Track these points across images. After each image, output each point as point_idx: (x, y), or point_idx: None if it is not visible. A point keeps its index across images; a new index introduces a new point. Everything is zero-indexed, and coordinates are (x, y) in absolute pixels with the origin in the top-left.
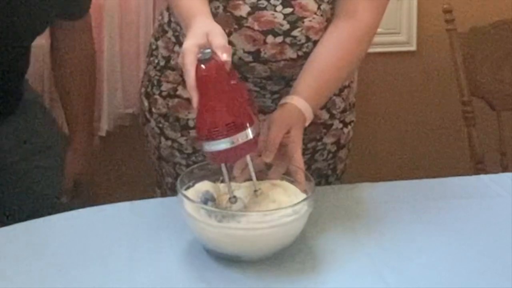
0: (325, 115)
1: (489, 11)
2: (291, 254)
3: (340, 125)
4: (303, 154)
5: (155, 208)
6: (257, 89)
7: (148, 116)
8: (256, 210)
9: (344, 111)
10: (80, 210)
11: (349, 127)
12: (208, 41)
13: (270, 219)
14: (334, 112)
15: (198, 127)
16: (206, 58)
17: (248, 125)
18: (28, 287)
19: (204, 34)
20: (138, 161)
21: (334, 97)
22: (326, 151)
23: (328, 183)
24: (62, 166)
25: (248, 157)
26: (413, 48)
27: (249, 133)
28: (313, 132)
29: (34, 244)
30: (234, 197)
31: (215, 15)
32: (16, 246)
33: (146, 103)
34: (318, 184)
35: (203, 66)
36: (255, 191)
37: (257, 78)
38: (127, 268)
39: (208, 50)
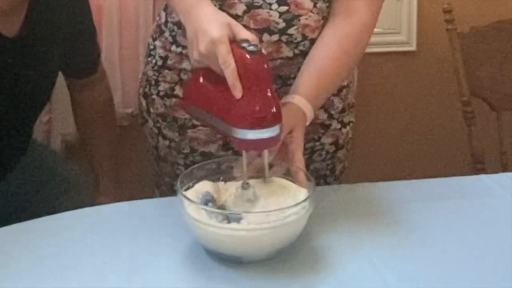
0: (323, 115)
1: (489, 11)
2: (291, 254)
3: (339, 126)
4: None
5: (155, 208)
6: None
7: (146, 116)
8: (256, 212)
9: (342, 111)
10: (80, 210)
11: (348, 127)
12: (232, 32)
13: (270, 219)
14: (332, 112)
15: (241, 115)
16: (255, 50)
17: (281, 116)
18: (28, 287)
19: (228, 25)
20: (137, 161)
21: (333, 97)
22: (325, 151)
23: (326, 183)
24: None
25: (265, 151)
26: (413, 48)
27: (282, 125)
28: (311, 132)
29: (34, 244)
30: (247, 183)
31: None
32: (16, 246)
33: (144, 103)
34: (317, 184)
35: (249, 57)
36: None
37: None
38: (127, 268)
39: (255, 43)
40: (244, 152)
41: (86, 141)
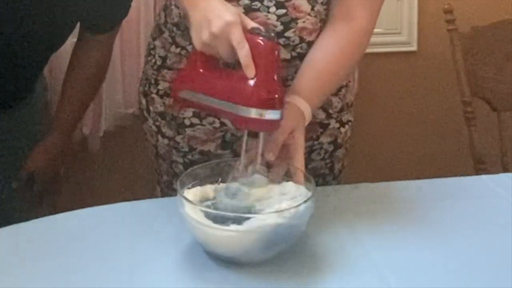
0: (321, 115)
1: (489, 11)
2: (291, 255)
3: (337, 125)
4: None
5: (155, 209)
6: None
7: (146, 114)
8: (256, 213)
9: (341, 110)
10: (81, 210)
11: (347, 126)
12: (242, 21)
13: (271, 220)
14: (330, 111)
15: (251, 95)
16: (272, 36)
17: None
18: (28, 287)
19: (239, 15)
20: (138, 161)
21: (331, 97)
22: (323, 150)
23: (325, 182)
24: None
25: (261, 136)
26: (413, 48)
27: (283, 112)
28: (310, 131)
29: (33, 245)
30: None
31: None
32: (15, 246)
33: (144, 102)
34: (316, 183)
35: (262, 41)
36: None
37: None
38: (126, 269)
39: (270, 30)
40: (244, 135)
41: (65, 91)
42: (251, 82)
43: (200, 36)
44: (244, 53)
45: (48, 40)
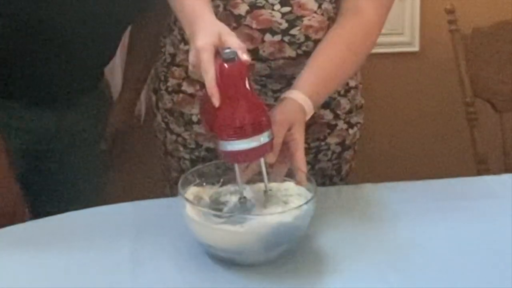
0: (329, 115)
1: (492, 12)
2: (292, 256)
3: (345, 126)
4: (307, 153)
5: (156, 209)
6: (258, 87)
7: (155, 111)
8: (257, 213)
9: (349, 112)
10: (82, 210)
11: (355, 128)
12: (221, 41)
13: (272, 221)
14: (338, 112)
15: (220, 126)
16: (231, 58)
17: (268, 125)
18: (31, 287)
19: (217, 34)
20: (139, 161)
21: (339, 98)
22: (330, 151)
23: (332, 183)
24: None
25: (262, 159)
26: (416, 49)
27: (270, 134)
28: (317, 132)
29: (35, 245)
30: (244, 197)
31: (215, 14)
32: (17, 246)
33: (153, 98)
34: (323, 184)
35: (226, 65)
36: (265, 191)
37: (258, 76)
38: (127, 269)
39: (233, 50)
40: (236, 166)
41: (129, 55)
42: (219, 112)
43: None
44: (207, 80)
45: (115, 25)
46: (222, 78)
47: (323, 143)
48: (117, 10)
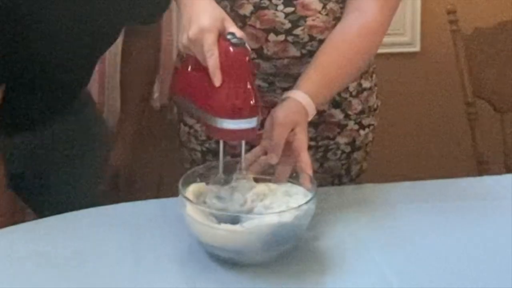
0: (339, 115)
1: (493, 12)
2: (293, 255)
3: (356, 127)
4: (315, 151)
5: (156, 209)
6: (266, 85)
7: (173, 104)
8: (257, 213)
9: (361, 113)
10: (82, 210)
11: (367, 130)
12: (224, 27)
13: (272, 221)
14: (349, 113)
15: (219, 104)
16: (239, 43)
17: (260, 111)
18: (29, 287)
19: (221, 20)
20: (140, 161)
21: (351, 98)
22: (340, 151)
23: (341, 183)
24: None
25: (243, 142)
26: (416, 49)
27: (259, 119)
28: (326, 130)
29: (35, 245)
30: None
31: None
32: (18, 246)
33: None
34: (331, 183)
35: (232, 48)
36: (240, 169)
37: (265, 75)
38: (127, 269)
39: (239, 36)
40: (220, 144)
41: (123, 86)
42: (219, 91)
43: (181, 38)
44: (211, 61)
45: (93, 42)
46: (227, 60)
47: (332, 142)
48: (92, 36)
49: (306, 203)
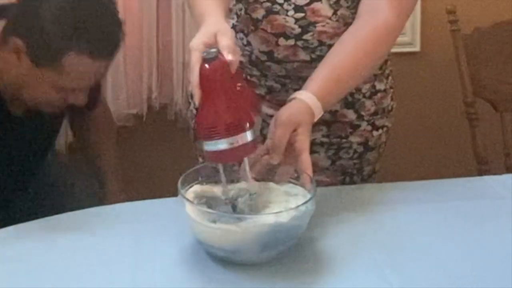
0: (352, 116)
1: (492, 12)
2: (293, 255)
3: (369, 128)
4: (328, 148)
5: (155, 209)
6: (279, 86)
7: (189, 100)
8: (255, 213)
9: (375, 114)
10: (81, 211)
11: (381, 131)
12: (215, 41)
13: (269, 221)
14: (362, 113)
15: (198, 125)
16: (211, 57)
17: (247, 127)
18: (31, 287)
19: (212, 34)
20: (141, 161)
21: (364, 99)
22: (352, 150)
23: (352, 182)
24: None
25: (245, 160)
26: (416, 49)
27: (248, 135)
28: (338, 129)
29: (35, 245)
30: (229, 199)
31: (238, 16)
32: (17, 246)
33: (190, 88)
34: (342, 181)
35: (207, 65)
36: (251, 195)
37: (276, 77)
38: (127, 269)
39: (214, 50)
40: (220, 166)
41: (89, 149)
42: (201, 112)
43: None
44: (191, 80)
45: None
46: (200, 78)
47: (344, 141)
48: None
49: (304, 203)
